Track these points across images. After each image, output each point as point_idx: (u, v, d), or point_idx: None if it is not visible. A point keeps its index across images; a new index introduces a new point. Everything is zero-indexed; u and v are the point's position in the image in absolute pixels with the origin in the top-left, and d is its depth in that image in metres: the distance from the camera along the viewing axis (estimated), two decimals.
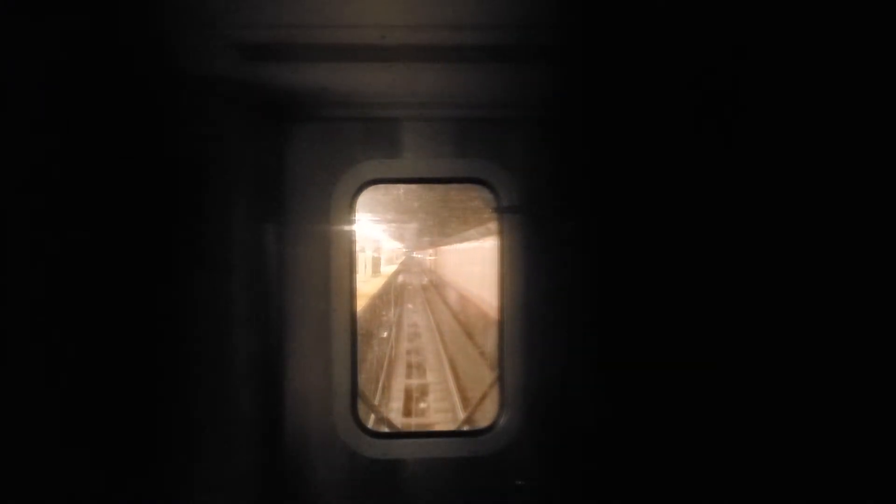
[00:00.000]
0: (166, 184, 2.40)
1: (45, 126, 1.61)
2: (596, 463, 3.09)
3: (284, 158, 3.13)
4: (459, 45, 2.27)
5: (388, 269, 40.16)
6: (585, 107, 3.08)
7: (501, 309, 3.28)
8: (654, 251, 2.86)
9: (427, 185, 10.01)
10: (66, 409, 1.68)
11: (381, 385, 14.90)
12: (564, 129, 3.17)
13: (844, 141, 1.71)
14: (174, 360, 2.45)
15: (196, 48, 2.26)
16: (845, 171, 1.70)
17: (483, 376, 12.30)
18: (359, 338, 3.29)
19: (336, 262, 3.17)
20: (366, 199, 3.36)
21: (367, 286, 20.45)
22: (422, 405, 14.34)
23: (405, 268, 53.70)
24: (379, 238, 32.26)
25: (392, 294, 28.92)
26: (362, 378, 4.05)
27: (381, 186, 3.42)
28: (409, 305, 33.09)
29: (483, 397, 6.27)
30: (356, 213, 3.27)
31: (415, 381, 16.44)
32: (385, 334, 20.85)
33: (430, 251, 47.93)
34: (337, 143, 3.16)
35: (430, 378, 16.89)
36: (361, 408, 3.32)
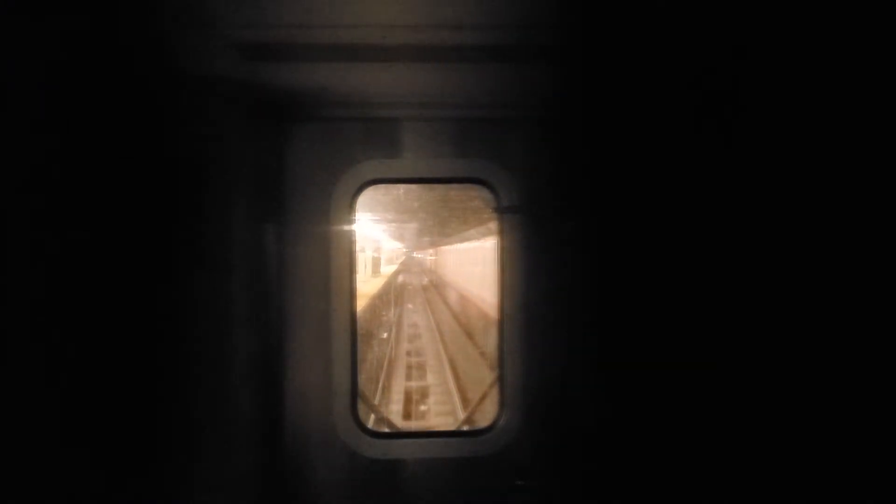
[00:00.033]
0: (166, 184, 2.40)
1: (45, 126, 1.61)
2: (596, 463, 3.09)
3: (284, 158, 3.13)
4: (459, 45, 2.27)
5: (388, 269, 40.15)
6: (585, 107, 3.08)
7: (501, 309, 3.28)
8: (654, 251, 2.86)
9: (427, 185, 10.01)
10: (66, 409, 1.68)
11: (381, 385, 14.88)
12: (564, 129, 3.17)
13: (844, 141, 1.71)
14: (174, 360, 2.45)
15: (196, 48, 2.26)
16: (845, 171, 1.70)
17: (484, 377, 12.29)
18: (358, 338, 3.30)
19: (336, 262, 3.17)
20: (366, 199, 3.36)
21: (366, 286, 20.42)
22: (422, 407, 14.29)
23: (405, 268, 53.68)
24: (379, 238, 32.25)
25: (392, 294, 28.91)
26: (362, 378, 4.05)
27: (381, 186, 3.43)
28: (410, 306, 33.09)
29: (483, 397, 6.27)
30: (356, 213, 3.27)
31: (415, 384, 16.36)
32: (385, 335, 20.83)
33: (431, 251, 47.92)
34: (337, 143, 3.16)
35: (431, 380, 16.83)
36: (361, 408, 3.32)
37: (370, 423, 4.40)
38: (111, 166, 1.90)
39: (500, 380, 3.27)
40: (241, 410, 2.80)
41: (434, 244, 39.23)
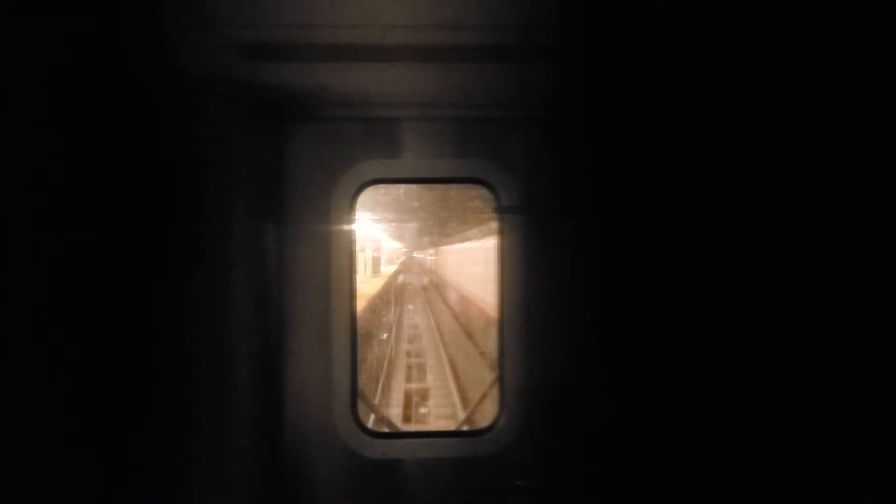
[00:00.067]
0: (166, 184, 2.40)
1: (45, 126, 1.61)
2: (596, 463, 3.09)
3: (284, 158, 3.13)
4: (459, 45, 2.27)
5: (388, 269, 40.15)
6: (585, 107, 3.08)
7: (501, 309, 3.28)
8: (654, 251, 2.85)
9: (427, 185, 10.01)
10: (66, 409, 1.67)
11: (380, 385, 14.85)
12: (564, 129, 3.17)
13: (845, 141, 1.71)
14: (174, 360, 2.45)
15: (196, 48, 2.26)
16: (845, 171, 1.70)
17: (484, 377, 12.28)
18: (358, 338, 3.30)
19: (336, 262, 3.17)
20: (366, 199, 3.37)
21: (366, 286, 20.41)
22: (422, 410, 14.24)
23: (405, 268, 53.69)
24: (379, 238, 32.26)
25: (392, 294, 28.91)
26: (362, 378, 4.05)
27: (381, 186, 3.43)
28: (410, 306, 33.08)
29: (483, 397, 6.27)
30: (356, 213, 3.27)
31: (415, 385, 16.29)
32: (385, 335, 20.81)
33: (431, 251, 47.92)
34: (337, 143, 3.16)
35: (431, 381, 16.78)
36: (361, 408, 3.32)
37: (370, 423, 4.40)
38: (111, 166, 1.90)
39: (500, 380, 3.27)
40: (241, 410, 2.80)
41: (434, 244, 39.24)
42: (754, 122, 2.14)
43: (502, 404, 3.24)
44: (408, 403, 14.62)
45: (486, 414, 4.22)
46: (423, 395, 15.33)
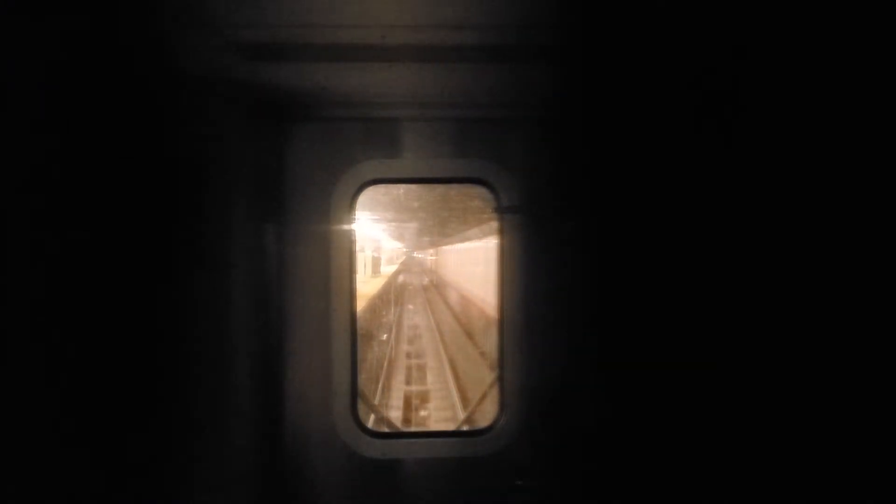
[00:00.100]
0: (166, 184, 2.40)
1: (45, 126, 1.61)
2: (596, 463, 3.09)
3: (284, 158, 3.13)
4: (459, 45, 2.27)
5: (388, 269, 40.15)
6: (585, 107, 3.08)
7: (501, 309, 3.27)
8: (654, 251, 2.85)
9: (427, 185, 10.01)
10: (66, 409, 1.67)
11: (380, 386, 14.84)
12: (564, 129, 3.17)
13: (845, 141, 1.71)
14: (174, 360, 2.45)
15: (196, 48, 2.26)
16: (845, 171, 1.70)
17: (484, 377, 12.26)
18: (358, 338, 3.30)
19: (336, 262, 3.17)
20: (366, 198, 3.36)
21: (366, 287, 20.39)
22: (422, 413, 14.21)
23: (405, 268, 53.68)
24: (379, 238, 32.26)
25: (392, 294, 28.90)
26: (362, 378, 4.05)
27: (381, 186, 3.43)
28: (410, 306, 33.06)
29: (483, 397, 6.27)
30: (356, 213, 3.27)
31: (415, 388, 16.21)
32: (385, 336, 20.77)
33: (431, 251, 47.92)
34: (337, 143, 3.16)
35: (431, 383, 16.71)
36: (361, 408, 3.32)
37: (370, 423, 4.40)
38: (111, 166, 1.90)
39: (500, 380, 3.27)
40: (241, 410, 2.80)
41: (434, 244, 39.24)
42: (754, 122, 2.14)
43: (502, 404, 3.24)
44: (407, 406, 14.58)
45: (486, 414, 4.22)
46: (424, 398, 15.28)
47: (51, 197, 1.62)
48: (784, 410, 1.93)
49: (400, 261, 55.14)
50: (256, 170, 2.95)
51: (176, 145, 2.45)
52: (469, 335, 18.59)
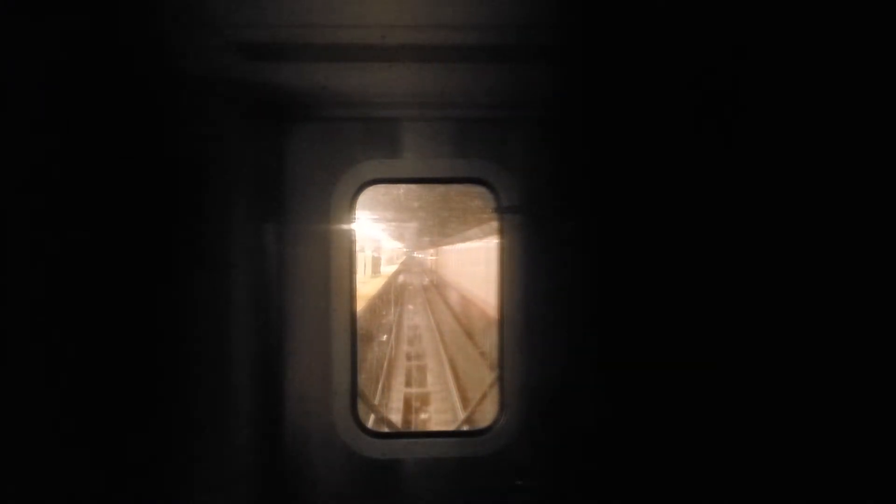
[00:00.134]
0: (166, 184, 2.40)
1: (45, 126, 1.61)
2: (596, 463, 3.09)
3: (284, 158, 3.13)
4: (459, 45, 2.27)
5: (388, 269, 40.13)
6: (585, 107, 3.08)
7: (501, 309, 3.28)
8: (654, 251, 2.86)
9: (427, 185, 10.01)
10: (66, 409, 1.68)
11: (380, 386, 14.83)
12: (564, 129, 3.17)
13: (845, 141, 1.71)
14: (174, 360, 2.45)
15: (196, 48, 2.26)
16: (845, 171, 1.70)
17: (484, 377, 12.25)
18: (358, 338, 3.30)
19: (336, 262, 3.17)
20: (366, 198, 3.36)
21: (366, 287, 20.36)
22: (423, 416, 14.17)
23: (406, 268, 53.66)
24: (379, 238, 32.24)
25: (392, 294, 28.88)
26: (362, 378, 4.05)
27: (381, 186, 3.43)
28: (410, 306, 33.03)
29: (483, 397, 6.27)
30: (356, 213, 3.27)
31: (415, 390, 16.14)
32: (384, 337, 20.74)
33: (431, 251, 47.91)
34: (337, 143, 3.16)
35: (432, 385, 16.66)
36: (361, 408, 3.32)
37: (370, 423, 4.40)
38: (111, 166, 1.90)
39: (500, 380, 3.27)
40: (241, 410, 2.80)
41: (434, 244, 39.23)
42: (754, 122, 2.14)
43: (502, 404, 3.24)
44: (407, 408, 14.53)
45: (487, 414, 4.22)
46: (424, 400, 15.23)
47: (51, 197, 1.62)
48: (784, 410, 1.93)
49: (400, 261, 55.13)
50: (256, 170, 2.95)
51: (176, 145, 2.45)
52: (469, 335, 18.57)
